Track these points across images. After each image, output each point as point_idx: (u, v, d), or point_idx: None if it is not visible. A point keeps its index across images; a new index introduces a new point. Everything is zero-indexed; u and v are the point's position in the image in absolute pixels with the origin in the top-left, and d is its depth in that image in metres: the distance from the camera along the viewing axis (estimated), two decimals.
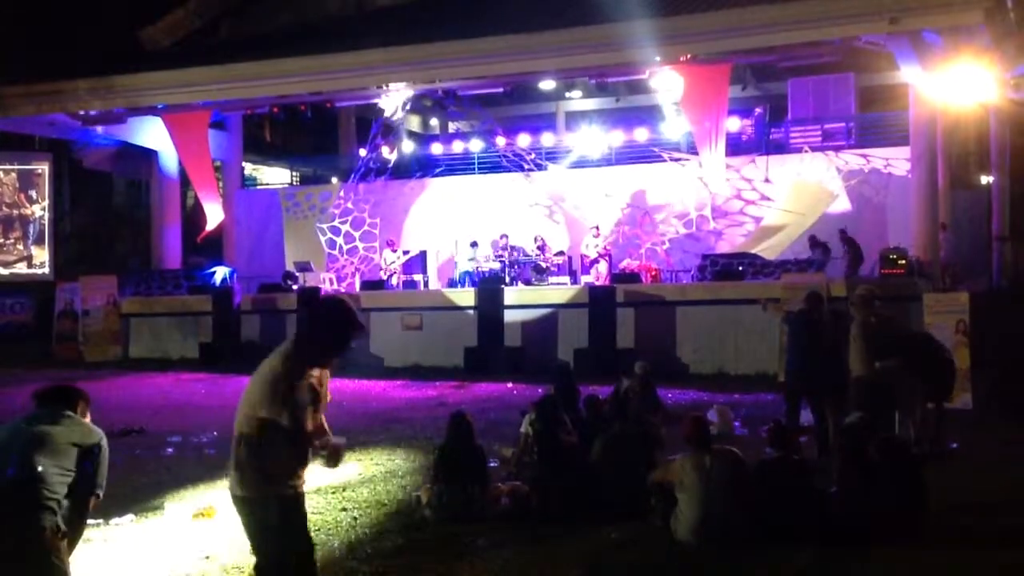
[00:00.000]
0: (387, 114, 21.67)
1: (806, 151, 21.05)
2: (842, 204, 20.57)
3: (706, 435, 7.15)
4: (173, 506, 7.91)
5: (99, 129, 23.63)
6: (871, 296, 9.87)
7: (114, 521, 7.64)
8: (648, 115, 23.17)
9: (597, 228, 20.72)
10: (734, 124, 20.88)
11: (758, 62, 19.39)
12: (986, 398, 12.87)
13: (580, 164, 22.84)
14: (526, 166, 22.88)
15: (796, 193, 20.89)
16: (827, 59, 18.73)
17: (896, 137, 20.41)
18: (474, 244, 21.38)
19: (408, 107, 22.00)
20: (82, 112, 22.49)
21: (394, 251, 21.66)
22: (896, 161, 20.06)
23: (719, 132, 18.77)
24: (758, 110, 22.60)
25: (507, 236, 21.15)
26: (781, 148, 21.88)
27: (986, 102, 18.63)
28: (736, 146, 21.21)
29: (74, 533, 5.03)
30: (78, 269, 24.26)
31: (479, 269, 20.81)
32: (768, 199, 21.12)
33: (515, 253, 20.79)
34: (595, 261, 20.32)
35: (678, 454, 7.25)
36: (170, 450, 11.13)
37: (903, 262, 17.21)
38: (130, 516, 7.86)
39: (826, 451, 9.38)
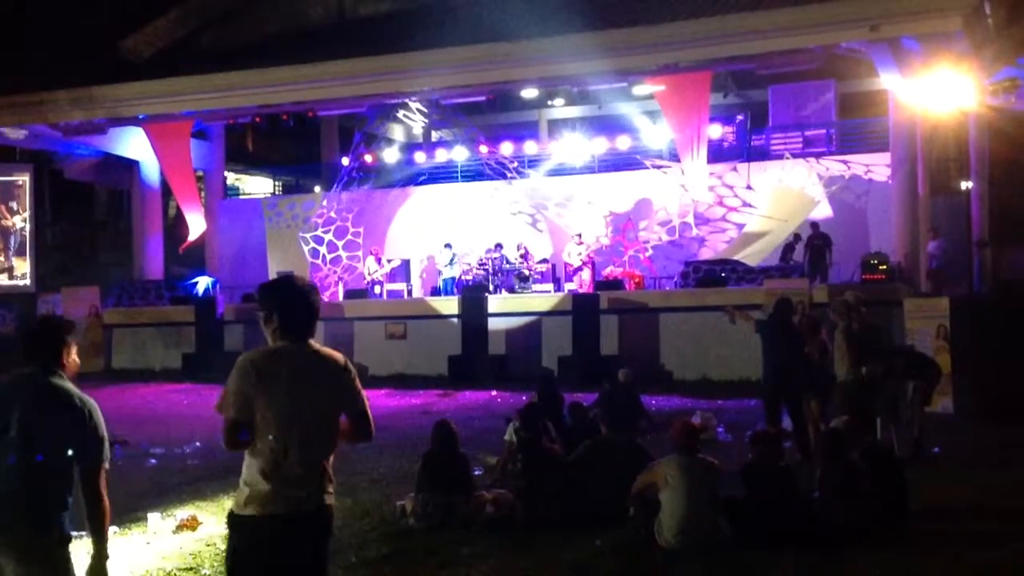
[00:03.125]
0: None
1: (787, 158, 21.16)
2: (823, 210, 20.69)
3: (695, 441, 7.19)
4: (156, 518, 7.87)
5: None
6: (856, 302, 9.92)
7: None
8: (630, 123, 23.24)
9: (580, 236, 20.74)
10: (716, 131, 20.95)
11: (739, 69, 19.47)
12: (967, 403, 12.97)
13: (563, 172, 22.90)
14: (509, 174, 22.90)
15: (778, 200, 21.00)
16: (807, 66, 18.81)
17: (876, 143, 20.56)
18: (447, 245, 21.33)
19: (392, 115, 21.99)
20: (63, 123, 22.38)
21: (378, 260, 21.61)
22: (876, 167, 20.20)
23: (701, 139, 18.85)
24: (739, 117, 22.67)
25: (501, 246, 21.00)
26: (763, 155, 22.00)
27: (965, 108, 18.75)
28: (718, 153, 21.29)
29: (90, 533, 4.14)
30: (60, 280, 24.09)
31: (463, 277, 20.76)
32: (750, 206, 21.24)
33: (498, 261, 20.76)
34: (578, 268, 20.32)
35: (661, 458, 7.28)
36: (153, 461, 11.08)
37: (884, 267, 17.33)
38: (113, 528, 7.78)
39: (808, 456, 9.41)
